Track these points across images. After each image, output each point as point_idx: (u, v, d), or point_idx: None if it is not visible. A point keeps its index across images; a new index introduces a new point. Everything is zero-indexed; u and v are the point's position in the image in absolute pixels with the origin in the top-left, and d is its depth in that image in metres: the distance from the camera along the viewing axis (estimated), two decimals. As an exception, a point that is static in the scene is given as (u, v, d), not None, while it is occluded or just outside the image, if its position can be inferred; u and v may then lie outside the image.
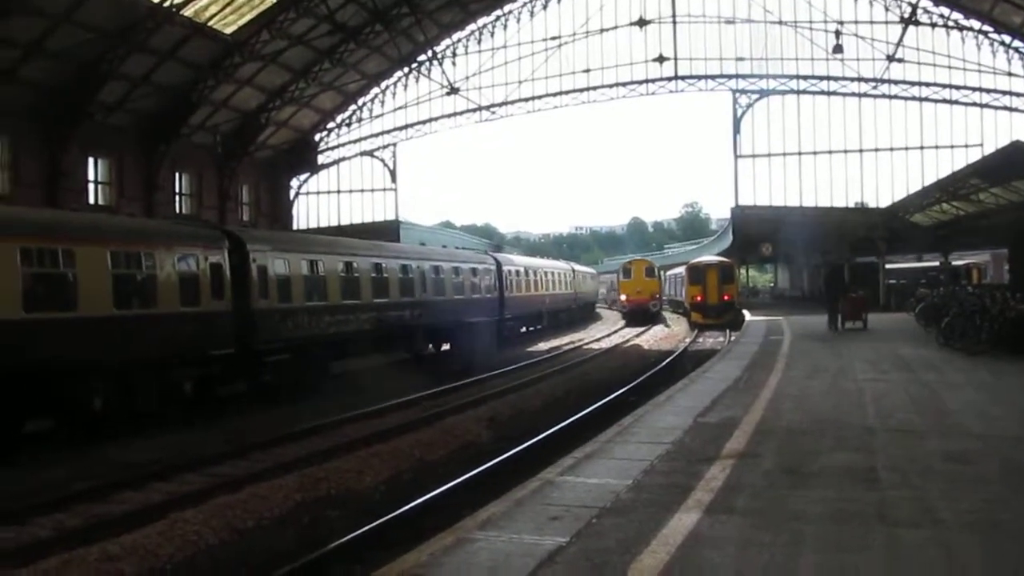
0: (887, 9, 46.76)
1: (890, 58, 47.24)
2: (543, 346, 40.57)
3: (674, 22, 50.90)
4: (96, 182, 41.42)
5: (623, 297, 60.87)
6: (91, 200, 40.37)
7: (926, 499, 7.92)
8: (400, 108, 55.46)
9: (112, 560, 9.77)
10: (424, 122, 55.68)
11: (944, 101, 48.81)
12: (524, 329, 46.07)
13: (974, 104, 48.23)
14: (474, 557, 6.66)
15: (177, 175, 46.59)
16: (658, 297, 61.32)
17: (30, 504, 12.33)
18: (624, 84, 53.14)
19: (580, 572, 6.24)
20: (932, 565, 6.31)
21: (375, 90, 55.08)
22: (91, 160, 40.88)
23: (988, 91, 47.56)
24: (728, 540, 6.87)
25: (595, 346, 39.75)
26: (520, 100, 54.08)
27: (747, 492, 8.32)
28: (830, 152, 51.23)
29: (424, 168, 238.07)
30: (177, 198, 46.58)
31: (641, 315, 57.14)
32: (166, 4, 34.28)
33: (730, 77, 51.45)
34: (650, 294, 59.30)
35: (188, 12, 36.18)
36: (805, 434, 11.30)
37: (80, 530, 11.34)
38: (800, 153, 51.47)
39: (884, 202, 48.54)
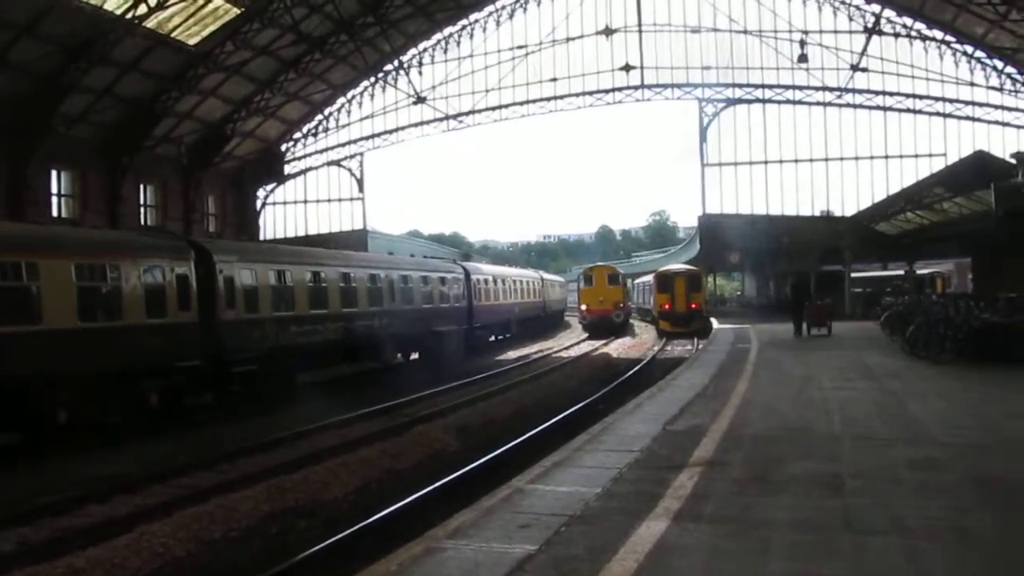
0: (851, 19, 47.31)
1: (854, 67, 47.79)
2: (512, 355, 40.54)
3: (640, 31, 51.20)
4: (59, 195, 41.08)
5: (583, 307, 55.50)
6: (55, 213, 40.01)
7: (892, 507, 7.97)
8: (367, 118, 55.43)
9: (78, 574, 9.70)
10: (391, 131, 55.70)
11: (908, 111, 49.44)
12: (493, 338, 46.02)
13: (937, 114, 48.88)
14: (443, 566, 6.66)
15: (141, 187, 46.29)
16: (623, 307, 56.10)
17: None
18: (591, 93, 53.38)
19: (549, 580, 6.22)
20: (899, 572, 6.35)
21: (341, 100, 55.01)
22: (54, 173, 40.54)
23: (951, 101, 48.21)
24: (696, 548, 6.91)
25: (564, 354, 39.77)
26: (487, 109, 54.22)
27: (715, 500, 8.37)
28: (796, 161, 51.70)
29: (392, 177, 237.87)
30: (142, 210, 46.26)
31: (604, 327, 52.22)
32: (129, 16, 33.96)
33: (696, 86, 51.85)
34: (613, 303, 54.10)
35: (151, 24, 35.86)
36: (772, 442, 11.38)
37: (45, 544, 11.18)
38: (767, 162, 51.91)
39: (850, 211, 49.04)
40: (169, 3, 34.31)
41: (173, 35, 38.37)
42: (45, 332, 16.99)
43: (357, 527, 11.18)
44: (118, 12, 34.07)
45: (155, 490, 14.28)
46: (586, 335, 51.94)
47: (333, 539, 10.74)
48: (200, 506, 12.42)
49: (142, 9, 33.78)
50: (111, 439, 17.80)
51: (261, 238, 54.52)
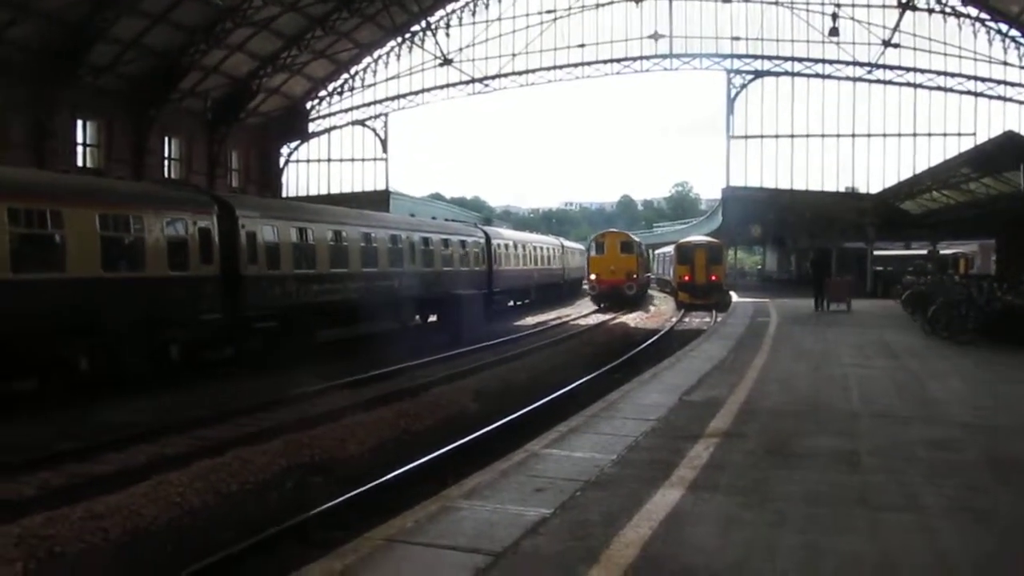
0: (885, -8, 46.71)
1: (886, 43, 47.28)
2: (530, 320, 40.59)
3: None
4: (84, 145, 41.26)
5: (592, 276, 51.17)
6: (79, 163, 40.18)
7: (909, 484, 7.97)
8: (392, 78, 55.29)
9: (96, 519, 9.77)
10: (416, 93, 55.54)
11: (938, 88, 48.93)
12: (512, 303, 46.09)
13: (968, 92, 48.37)
14: (459, 525, 6.72)
15: (166, 140, 46.45)
16: (636, 278, 51.11)
17: (15, 462, 12.32)
18: (618, 60, 53.05)
19: (563, 543, 6.28)
20: (915, 549, 6.35)
21: (367, 59, 54.85)
22: (79, 123, 40.67)
23: (983, 80, 47.69)
24: (710, 517, 6.92)
25: (582, 322, 39.79)
26: (513, 73, 53.96)
27: (730, 471, 8.38)
28: (823, 136, 51.36)
29: (415, 139, 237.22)
30: (166, 163, 46.47)
31: (614, 299, 48.87)
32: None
33: (725, 56, 51.42)
34: (626, 273, 49.73)
35: (181, -26, 35.84)
36: (790, 416, 11.38)
37: (65, 489, 11.36)
38: (793, 136, 51.57)
39: (875, 188, 48.64)
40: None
41: (202, -13, 38.25)
42: (68, 280, 17.11)
43: (371, 484, 11.24)
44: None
45: (173, 440, 14.41)
46: (603, 304, 49.95)
47: (348, 495, 10.82)
48: (217, 458, 12.48)
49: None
50: (132, 389, 17.97)
51: (284, 195, 54.59)
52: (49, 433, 14.40)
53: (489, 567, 5.80)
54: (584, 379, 20.23)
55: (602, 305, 48.81)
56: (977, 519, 7.03)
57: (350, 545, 6.34)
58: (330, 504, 10.47)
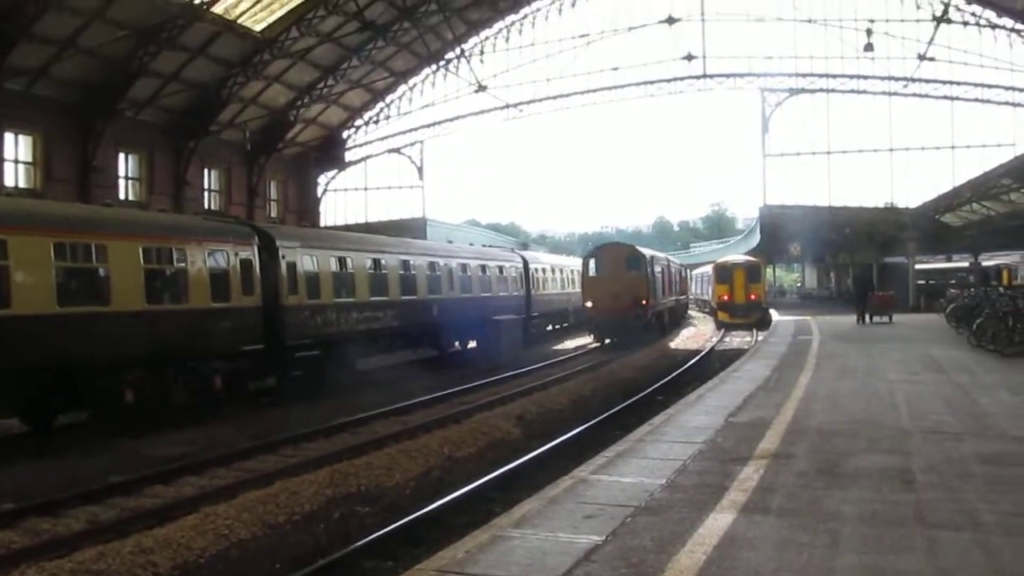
0: (918, 7, 46.36)
1: (921, 57, 46.87)
2: (569, 344, 40.49)
3: (703, 20, 50.57)
4: (127, 178, 41.76)
5: (588, 303, 39.24)
6: (122, 195, 40.65)
7: (965, 501, 7.85)
8: (428, 106, 55.46)
9: (146, 553, 9.83)
10: (451, 120, 55.66)
11: (976, 100, 48.39)
12: (550, 327, 46.02)
13: (1006, 103, 47.80)
14: (511, 555, 6.66)
15: (206, 171, 46.91)
16: (647, 303, 38.23)
17: (64, 497, 12.44)
18: (652, 82, 52.89)
19: (616, 571, 6.20)
20: (975, 567, 6.23)
21: (403, 87, 55.12)
22: (122, 156, 41.19)
23: (1020, 90, 47.11)
24: (765, 540, 6.83)
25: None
26: (548, 98, 54.01)
27: (782, 492, 8.28)
28: (860, 151, 50.93)
29: (451, 165, 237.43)
30: (206, 194, 46.87)
31: (620, 332, 37.44)
32: (197, 1, 34.48)
33: (759, 75, 51.21)
34: (632, 297, 37.73)
35: (218, 9, 36.39)
36: (838, 435, 11.24)
37: (114, 523, 11.47)
38: (829, 152, 51.19)
39: (914, 202, 48.19)
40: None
41: (240, 21, 38.78)
42: (113, 314, 17.30)
43: (418, 513, 11.24)
44: (187, -2, 34.60)
45: (219, 473, 14.53)
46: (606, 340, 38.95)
47: (395, 525, 10.81)
48: (264, 489, 12.55)
49: (211, -5, 34.31)
50: (177, 421, 18.11)
51: (322, 224, 54.92)
52: (97, 466, 14.54)
53: (544, 596, 5.74)
54: (625, 403, 20.17)
55: (606, 342, 38.32)
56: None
57: (403, 577, 6.32)
58: (376, 535, 10.45)
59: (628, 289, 37.65)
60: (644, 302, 37.89)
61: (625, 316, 37.22)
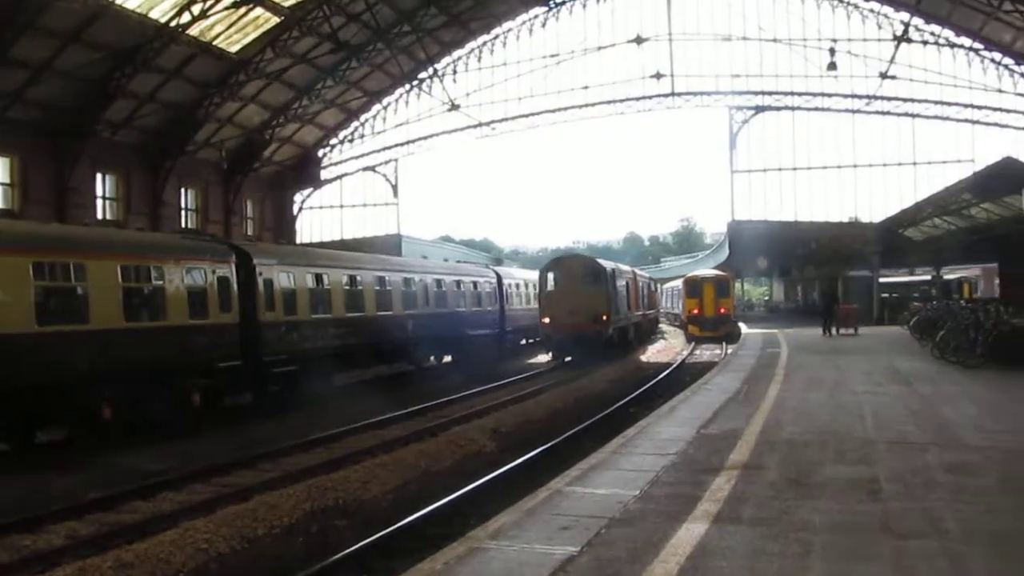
0: (879, 27, 47.08)
1: (883, 75, 47.52)
2: (543, 358, 40.60)
3: (671, 39, 50.98)
4: (104, 198, 41.76)
5: (545, 320, 36.90)
6: (99, 215, 40.63)
7: (930, 510, 8.08)
8: (402, 124, 55.55)
9: (126, 568, 9.94)
10: (425, 138, 55.74)
11: (936, 117, 49.06)
12: (524, 341, 46.15)
13: (966, 120, 48.46)
14: (487, 566, 6.82)
15: (183, 190, 46.87)
16: (607, 319, 36.25)
17: (44, 513, 12.50)
18: (621, 100, 53.26)
19: (593, 580, 6.37)
20: (941, 574, 6.46)
21: (377, 107, 55.23)
22: (99, 176, 41.20)
23: (979, 107, 47.79)
24: (737, 550, 7.03)
25: (593, 359, 39.71)
26: (519, 116, 54.21)
27: (753, 503, 8.49)
28: (824, 167, 51.44)
29: (425, 183, 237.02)
30: (183, 213, 46.82)
31: (577, 349, 35.46)
32: (172, 24, 34.57)
33: (726, 93, 51.69)
34: (591, 315, 35.57)
35: (194, 31, 36.41)
36: (807, 446, 11.50)
37: (94, 538, 11.53)
38: (795, 168, 51.68)
39: (877, 217, 48.69)
40: (212, 11, 34.88)
41: (215, 43, 38.88)
42: (92, 332, 17.38)
43: (396, 526, 11.39)
44: (163, 20, 34.67)
45: (198, 487, 14.59)
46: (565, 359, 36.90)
47: (373, 537, 10.96)
48: (243, 504, 12.67)
49: (186, 17, 34.43)
50: (155, 437, 18.16)
51: (298, 242, 54.89)
52: (76, 482, 14.58)
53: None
54: (599, 415, 20.42)
55: (567, 360, 36.21)
56: (1000, 542, 7.14)
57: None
58: (353, 548, 10.60)
59: (587, 304, 35.58)
60: (604, 317, 36.04)
61: (584, 333, 35.18)
